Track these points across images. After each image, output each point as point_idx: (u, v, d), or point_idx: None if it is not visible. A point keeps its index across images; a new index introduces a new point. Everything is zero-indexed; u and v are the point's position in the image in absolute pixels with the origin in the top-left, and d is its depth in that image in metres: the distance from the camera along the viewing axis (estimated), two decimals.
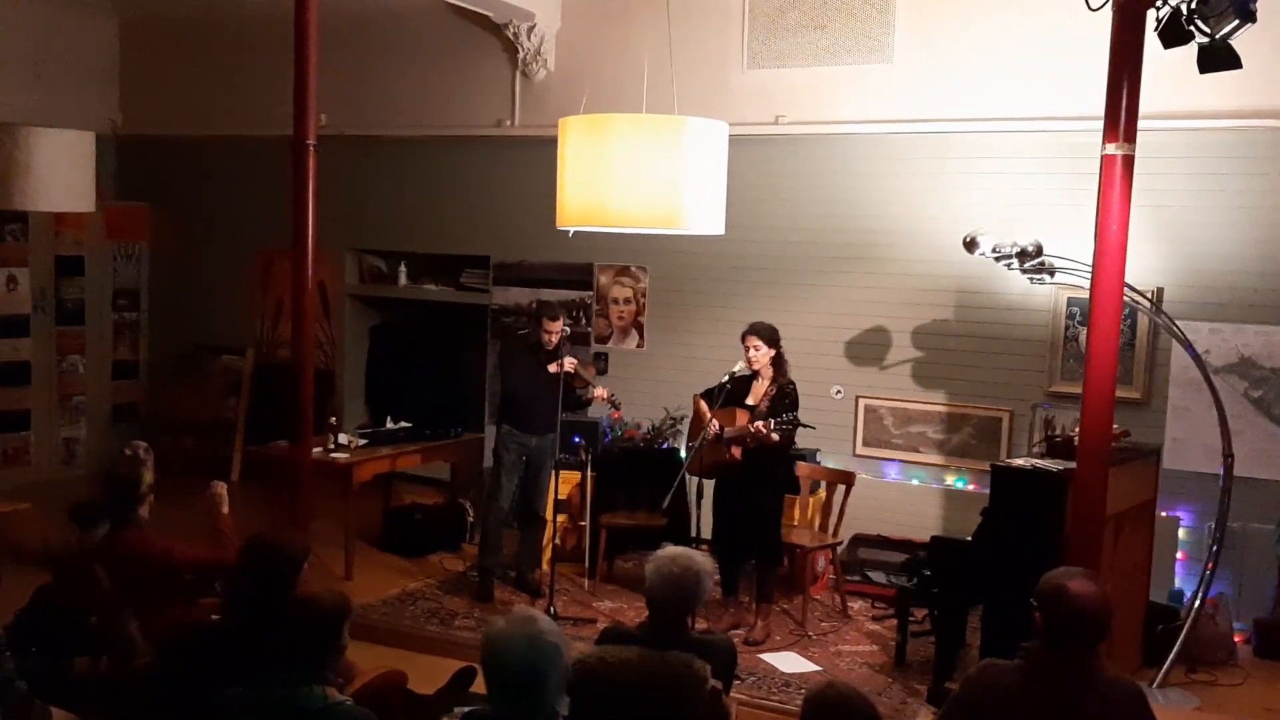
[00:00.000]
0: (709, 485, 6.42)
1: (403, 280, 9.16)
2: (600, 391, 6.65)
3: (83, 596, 4.97)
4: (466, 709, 3.52)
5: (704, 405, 6.13)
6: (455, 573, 7.08)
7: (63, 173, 7.07)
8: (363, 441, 7.24)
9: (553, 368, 6.38)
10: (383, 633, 5.96)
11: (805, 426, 5.98)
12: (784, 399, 5.93)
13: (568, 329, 6.53)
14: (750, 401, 6.03)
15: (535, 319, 6.63)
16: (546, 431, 6.56)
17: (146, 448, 4.97)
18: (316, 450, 6.61)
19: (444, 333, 9.17)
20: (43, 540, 6.41)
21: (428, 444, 7.51)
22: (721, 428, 5.95)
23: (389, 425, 7.67)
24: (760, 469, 5.94)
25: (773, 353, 5.97)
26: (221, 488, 4.83)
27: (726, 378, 6.05)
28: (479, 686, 3.38)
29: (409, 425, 7.64)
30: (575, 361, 6.48)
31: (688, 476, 6.23)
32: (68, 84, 9.31)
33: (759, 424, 5.77)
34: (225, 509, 4.77)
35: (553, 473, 6.73)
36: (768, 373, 6.01)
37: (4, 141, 6.85)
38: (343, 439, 7.10)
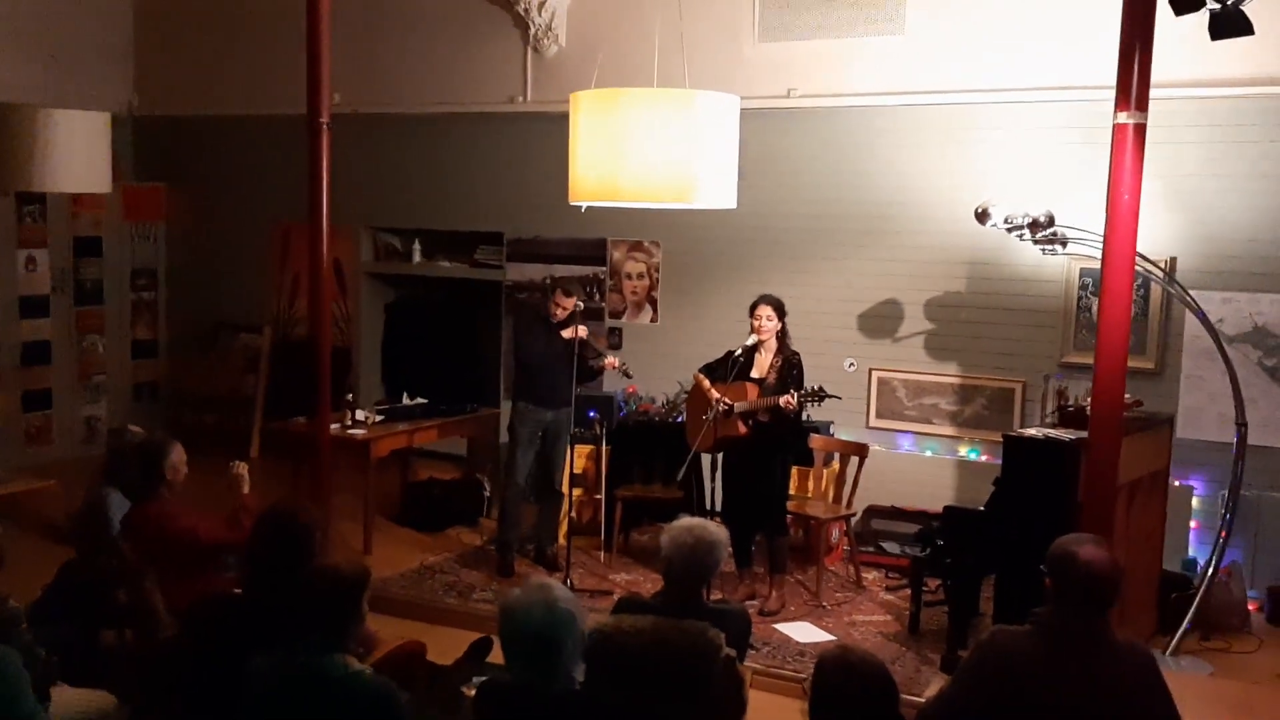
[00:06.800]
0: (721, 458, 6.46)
1: (417, 257, 9.20)
2: (612, 359, 6.70)
3: (108, 571, 5.06)
4: (484, 678, 3.58)
5: (706, 381, 6.16)
6: (473, 546, 7.15)
7: (79, 154, 7.09)
8: (380, 417, 7.30)
9: (567, 333, 6.44)
10: (401, 605, 6.04)
11: (832, 397, 5.99)
12: (792, 369, 5.96)
13: (580, 305, 6.57)
14: (755, 375, 6.05)
15: (549, 291, 6.65)
16: (562, 405, 6.60)
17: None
18: (334, 426, 6.68)
19: (459, 309, 9.21)
20: (66, 516, 6.51)
21: (444, 419, 7.57)
22: (732, 403, 5.98)
23: (405, 401, 7.75)
24: (767, 442, 5.98)
25: (779, 325, 6.00)
26: (243, 468, 4.87)
27: (739, 351, 6.07)
28: (495, 657, 3.43)
29: (425, 401, 7.71)
30: (587, 329, 6.54)
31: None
32: (83, 65, 9.34)
33: (786, 398, 5.79)
34: (246, 489, 4.83)
35: (568, 446, 6.77)
36: (772, 344, 6.03)
37: (21, 123, 6.88)
38: (360, 415, 7.15)
